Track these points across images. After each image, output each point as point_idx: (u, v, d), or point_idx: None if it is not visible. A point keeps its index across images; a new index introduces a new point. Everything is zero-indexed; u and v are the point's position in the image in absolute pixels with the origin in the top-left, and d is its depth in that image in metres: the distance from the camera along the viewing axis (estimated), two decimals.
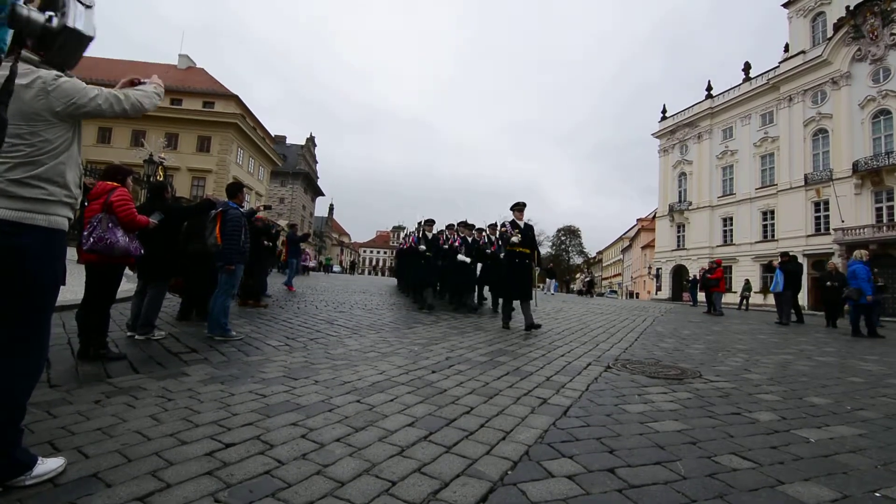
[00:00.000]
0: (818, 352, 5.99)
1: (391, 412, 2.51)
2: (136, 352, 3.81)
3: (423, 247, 8.55)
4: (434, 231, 9.11)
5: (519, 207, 7.12)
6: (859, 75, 27.05)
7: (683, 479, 1.88)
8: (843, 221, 26.05)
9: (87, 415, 2.30)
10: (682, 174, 39.24)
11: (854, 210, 26.13)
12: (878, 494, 1.83)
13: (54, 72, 1.69)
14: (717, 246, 34.57)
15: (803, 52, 30.33)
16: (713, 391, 3.45)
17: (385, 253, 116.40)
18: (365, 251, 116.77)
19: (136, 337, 4.25)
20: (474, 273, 8.81)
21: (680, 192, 39.31)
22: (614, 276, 71.76)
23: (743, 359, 5.07)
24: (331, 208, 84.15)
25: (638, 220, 60.48)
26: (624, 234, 69.03)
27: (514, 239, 6.64)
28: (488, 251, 8.32)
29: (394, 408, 2.60)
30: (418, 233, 9.01)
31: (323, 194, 71.84)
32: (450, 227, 9.48)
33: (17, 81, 1.51)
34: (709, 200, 36.13)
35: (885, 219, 25.13)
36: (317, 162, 70.45)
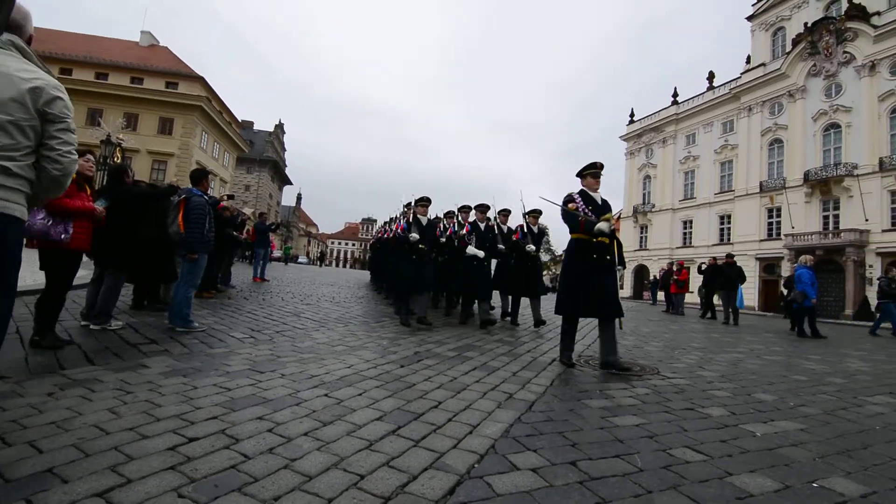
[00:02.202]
0: (767, 351, 6.34)
1: (359, 406, 2.52)
2: (91, 342, 3.66)
3: (414, 235, 5.84)
4: (429, 215, 6.49)
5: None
6: (814, 89, 28.52)
7: (640, 472, 1.97)
8: (793, 228, 27.53)
9: (40, 408, 2.20)
10: (647, 177, 40.46)
11: (804, 217, 27.64)
12: (815, 485, 1.97)
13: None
14: (678, 247, 35.87)
15: (763, 64, 31.72)
16: (670, 387, 3.61)
17: (353, 245, 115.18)
18: (333, 243, 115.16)
19: (92, 327, 4.07)
20: (489, 273, 6.76)
21: (644, 195, 40.54)
22: None
23: (697, 356, 5.31)
24: (298, 198, 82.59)
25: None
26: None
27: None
28: (512, 242, 6.69)
29: (362, 402, 2.60)
30: (408, 217, 6.32)
31: (291, 183, 70.38)
32: (449, 214, 7.30)
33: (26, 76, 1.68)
34: (671, 203, 37.41)
35: (830, 226, 26.67)
36: (285, 150, 68.84)
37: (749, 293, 28.26)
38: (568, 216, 3.98)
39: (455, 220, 7.02)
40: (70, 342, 3.55)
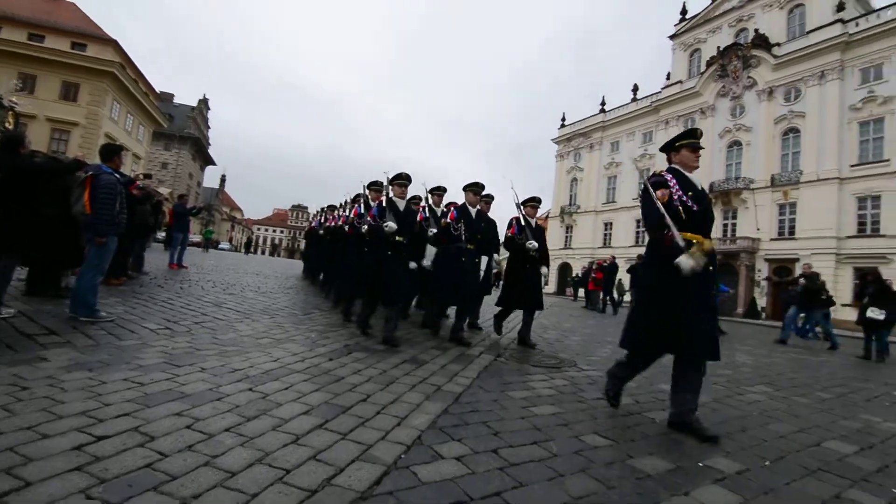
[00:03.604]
0: None
1: (286, 400, 2.48)
2: None
3: (391, 224, 4.36)
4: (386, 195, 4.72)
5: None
6: (721, 109, 31.46)
7: (555, 457, 2.14)
8: None
9: None
10: (574, 179, 42.59)
11: None
12: (700, 464, 2.24)
13: None
14: (599, 248, 38.12)
15: (681, 81, 34.45)
16: (584, 379, 3.90)
17: (283, 233, 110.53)
18: (259, 229, 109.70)
19: None
20: (478, 277, 5.32)
21: (571, 196, 42.67)
22: None
23: (610, 349, 5.74)
24: (222, 179, 77.68)
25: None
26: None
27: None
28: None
29: (288, 396, 2.56)
30: (380, 199, 4.69)
31: (214, 163, 66.06)
32: (414, 200, 5.62)
33: None
34: (594, 206, 39.67)
35: (729, 234, 29.69)
36: (209, 127, 64.41)
37: None
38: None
39: (424, 206, 5.57)
40: None
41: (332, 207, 8.90)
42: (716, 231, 30.03)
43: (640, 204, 2.92)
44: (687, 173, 2.85)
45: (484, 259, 5.37)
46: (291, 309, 6.13)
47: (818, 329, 11.06)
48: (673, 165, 2.90)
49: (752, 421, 3.14)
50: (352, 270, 5.11)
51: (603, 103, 40.67)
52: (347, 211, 6.58)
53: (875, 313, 7.86)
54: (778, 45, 28.82)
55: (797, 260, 25.77)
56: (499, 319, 5.56)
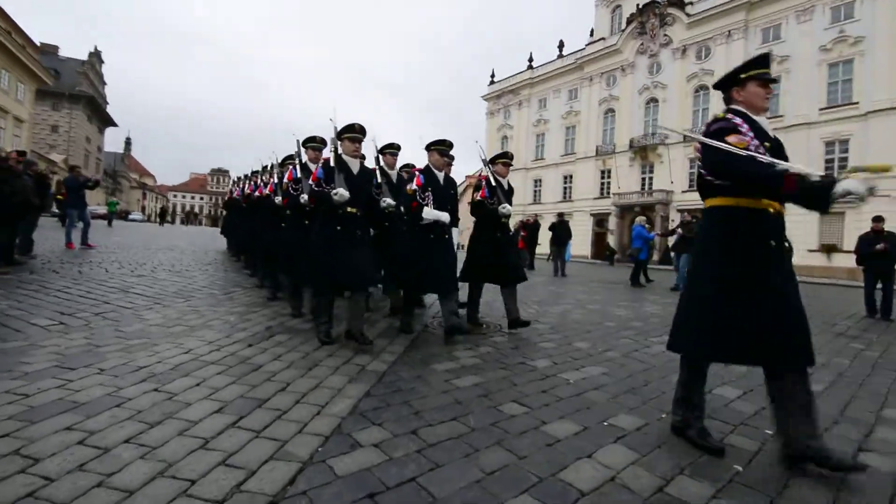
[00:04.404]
0: (590, 300, 7.44)
1: (196, 399, 2.36)
2: None
3: (341, 191, 3.39)
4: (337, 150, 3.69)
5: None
6: (641, 66, 32.70)
7: (472, 431, 2.22)
8: (619, 187, 32.06)
9: None
10: (505, 137, 43.06)
11: (627, 178, 32.30)
12: (605, 424, 2.43)
13: None
14: (529, 204, 39.26)
15: (604, 38, 35.20)
16: (507, 343, 4.06)
17: (203, 199, 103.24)
18: (176, 196, 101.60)
19: None
20: (453, 251, 4.33)
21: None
22: None
23: (535, 310, 6.02)
24: (127, 143, 70.44)
25: (466, 176, 64.68)
26: (476, 172, 73.18)
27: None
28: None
29: (199, 393, 2.44)
30: (325, 159, 3.83)
31: (115, 124, 59.45)
32: (406, 168, 5.24)
33: None
34: (524, 163, 40.49)
35: (646, 186, 31.64)
36: (105, 84, 57.43)
37: (584, 244, 32.46)
38: (732, 159, 1.94)
39: (375, 168, 4.37)
40: None
41: (255, 174, 7.46)
42: (635, 185, 31.90)
43: (701, 164, 2.21)
44: (755, 116, 2.19)
45: (455, 232, 4.40)
46: (210, 289, 5.80)
47: None
48: (735, 106, 2.24)
49: (655, 373, 3.43)
50: (288, 253, 4.35)
51: (531, 59, 40.81)
52: (276, 177, 5.16)
53: None
54: (691, 3, 30.07)
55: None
56: (473, 303, 4.73)
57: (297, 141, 4.28)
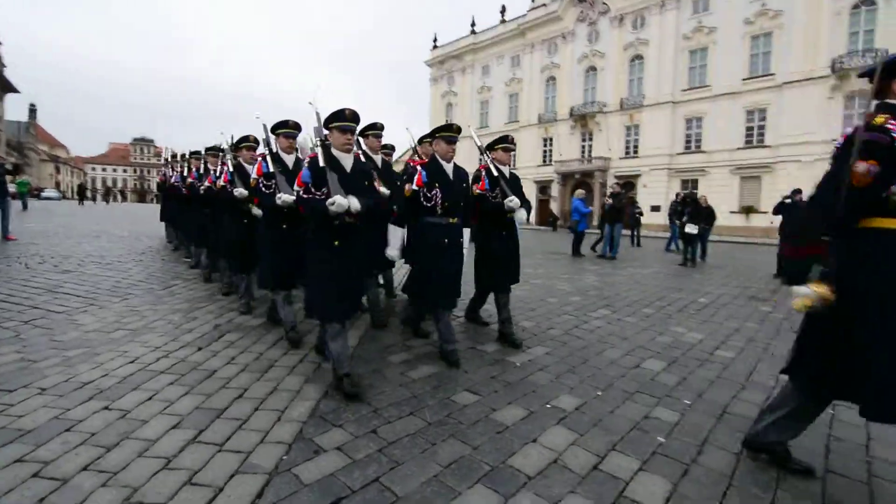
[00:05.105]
0: (534, 275, 7.77)
1: (150, 415, 2.34)
2: None
3: (352, 201, 2.68)
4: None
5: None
6: (580, 34, 33.08)
7: (429, 426, 2.38)
8: (560, 155, 32.89)
9: None
10: (449, 104, 42.62)
11: (568, 146, 33.17)
12: (548, 406, 2.67)
13: None
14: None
15: (545, 4, 35.11)
16: (458, 328, 4.19)
17: (126, 172, 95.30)
18: (94, 169, 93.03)
19: None
20: (460, 257, 3.55)
21: (446, 121, 42.56)
22: None
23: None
24: (32, 110, 63.19)
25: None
26: (398, 157, 72.13)
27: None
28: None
29: (153, 408, 2.42)
30: (311, 152, 3.44)
31: (16, 90, 52.87)
32: (386, 149, 4.62)
33: None
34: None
35: (586, 154, 32.69)
36: (0, 43, 50.56)
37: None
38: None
39: (360, 151, 3.88)
40: None
41: (194, 154, 6.50)
42: (575, 153, 32.82)
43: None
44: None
45: (466, 233, 3.69)
46: (147, 283, 5.54)
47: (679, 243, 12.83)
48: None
49: (592, 350, 3.74)
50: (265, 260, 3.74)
51: (473, 24, 40.14)
52: (228, 164, 4.45)
53: (691, 228, 9.69)
54: None
55: (639, 175, 29.63)
56: (475, 310, 4.43)
57: (265, 126, 3.50)
